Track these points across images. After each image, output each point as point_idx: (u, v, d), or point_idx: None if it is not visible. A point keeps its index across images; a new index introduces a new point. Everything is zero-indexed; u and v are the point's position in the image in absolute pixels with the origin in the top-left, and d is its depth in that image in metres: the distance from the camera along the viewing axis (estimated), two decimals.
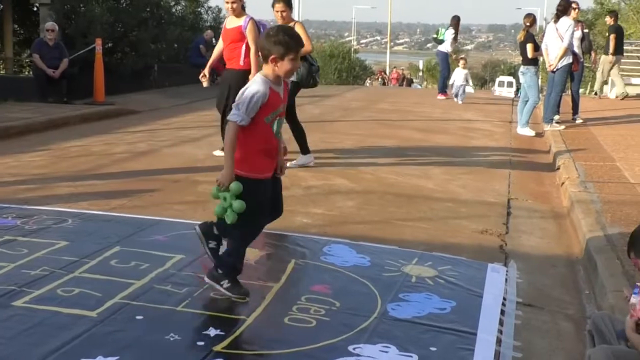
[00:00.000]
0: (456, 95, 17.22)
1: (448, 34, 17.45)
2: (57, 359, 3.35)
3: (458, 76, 17.41)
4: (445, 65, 17.76)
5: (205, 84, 8.54)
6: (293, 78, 7.78)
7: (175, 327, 3.77)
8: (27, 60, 17.93)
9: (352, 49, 57.67)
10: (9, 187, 6.93)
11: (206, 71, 8.54)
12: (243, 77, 7.92)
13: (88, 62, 14.70)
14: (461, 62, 18.25)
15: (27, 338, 3.56)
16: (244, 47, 8.31)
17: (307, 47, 7.54)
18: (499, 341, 3.88)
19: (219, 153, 8.63)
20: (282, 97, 4.22)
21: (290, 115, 8.22)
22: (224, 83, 8.46)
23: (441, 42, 17.73)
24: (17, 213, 5.90)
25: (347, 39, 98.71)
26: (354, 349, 3.64)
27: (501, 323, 4.13)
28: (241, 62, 8.31)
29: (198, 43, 19.58)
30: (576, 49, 12.31)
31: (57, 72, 13.80)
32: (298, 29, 7.60)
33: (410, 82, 45.51)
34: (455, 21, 17.84)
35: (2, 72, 18.59)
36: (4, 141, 9.82)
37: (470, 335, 3.89)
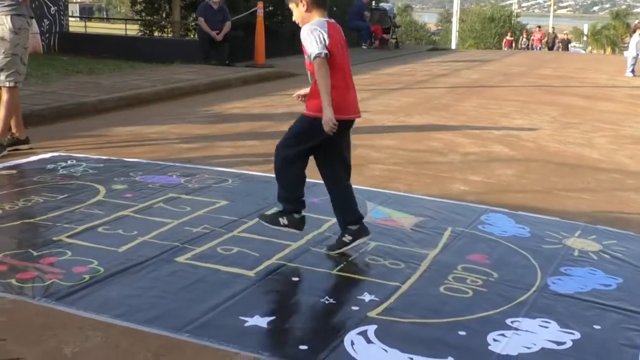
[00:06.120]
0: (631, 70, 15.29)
1: None
2: (217, 316, 3.43)
3: (632, 44, 15.54)
4: None
5: None
6: None
7: (330, 291, 3.78)
8: (192, 23, 18.51)
9: (514, 13, 55.81)
10: (174, 146, 7.19)
11: None
12: None
13: (249, 25, 15.02)
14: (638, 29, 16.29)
15: (189, 294, 3.67)
16: None
17: None
18: None
19: None
20: None
21: None
22: None
23: None
24: (181, 172, 6.12)
25: (508, 2, 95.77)
26: (512, 322, 3.52)
27: None
28: None
29: (358, 7, 19.56)
30: None
31: (220, 35, 14.19)
32: None
33: (567, 45, 41.17)
34: None
35: (170, 34, 19.30)
36: (171, 101, 10.22)
37: (638, 315, 3.66)
